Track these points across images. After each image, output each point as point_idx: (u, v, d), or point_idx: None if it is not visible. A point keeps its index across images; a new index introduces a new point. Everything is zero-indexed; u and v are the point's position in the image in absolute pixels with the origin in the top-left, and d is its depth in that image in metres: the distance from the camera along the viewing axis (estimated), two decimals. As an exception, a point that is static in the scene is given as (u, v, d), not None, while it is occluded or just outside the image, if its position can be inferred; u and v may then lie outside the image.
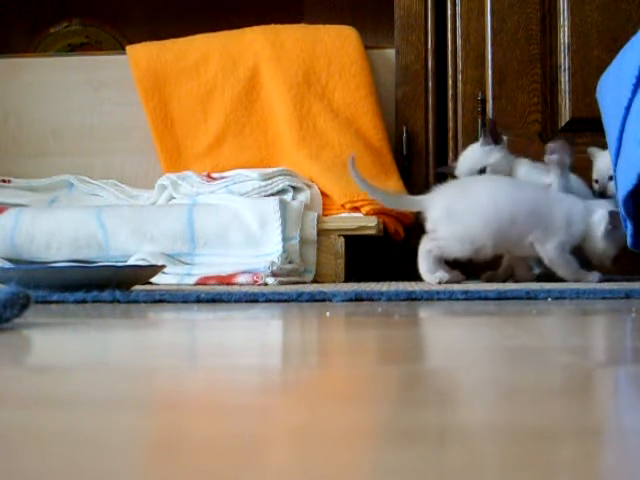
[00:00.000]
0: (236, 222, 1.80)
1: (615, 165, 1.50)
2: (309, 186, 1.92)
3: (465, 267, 1.71)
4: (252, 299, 1.19)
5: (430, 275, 1.64)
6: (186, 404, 0.43)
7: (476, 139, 1.99)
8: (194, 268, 1.76)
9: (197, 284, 1.69)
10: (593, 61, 2.02)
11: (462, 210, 1.65)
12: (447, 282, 1.61)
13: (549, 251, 1.66)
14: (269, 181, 1.89)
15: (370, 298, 1.19)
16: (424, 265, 1.65)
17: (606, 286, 1.41)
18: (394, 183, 1.95)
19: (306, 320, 0.98)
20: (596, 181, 1.86)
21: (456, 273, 1.65)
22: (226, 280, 1.70)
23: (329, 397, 0.45)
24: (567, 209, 1.68)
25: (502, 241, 1.65)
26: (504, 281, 1.73)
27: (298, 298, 1.19)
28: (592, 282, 1.63)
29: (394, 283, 1.67)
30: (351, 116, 2.00)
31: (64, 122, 2.12)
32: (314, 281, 1.81)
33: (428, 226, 1.68)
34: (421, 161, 2.10)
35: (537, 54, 2.06)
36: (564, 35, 2.06)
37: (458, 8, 2.09)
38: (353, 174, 1.71)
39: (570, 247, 1.67)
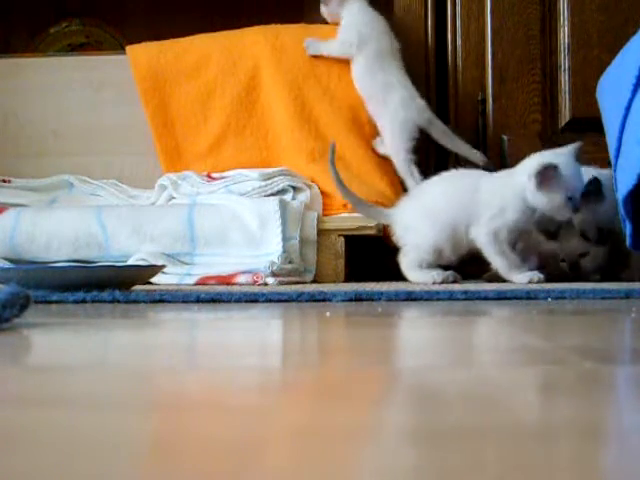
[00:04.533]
0: (236, 222, 1.80)
1: (615, 165, 1.50)
2: (309, 186, 1.92)
3: (463, 267, 1.71)
4: (252, 299, 1.19)
5: (422, 278, 1.63)
6: (186, 404, 0.43)
7: (476, 139, 1.99)
8: (194, 268, 1.76)
9: (197, 284, 1.69)
10: (593, 61, 2.02)
11: (417, 220, 1.66)
12: (441, 282, 1.60)
13: (479, 236, 1.60)
14: (269, 181, 1.89)
15: (370, 298, 1.19)
16: (412, 274, 1.65)
17: (606, 286, 1.41)
18: (389, 183, 1.95)
19: (306, 320, 0.98)
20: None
21: (448, 273, 1.65)
22: (226, 280, 1.70)
23: (329, 397, 0.45)
24: (496, 187, 1.60)
25: (455, 240, 1.63)
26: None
27: (298, 298, 1.19)
28: (521, 282, 1.55)
29: (394, 283, 1.67)
30: (352, 117, 2.00)
31: (64, 122, 2.12)
32: (314, 281, 1.81)
33: (395, 239, 1.69)
34: (421, 161, 2.10)
35: (537, 54, 2.06)
36: (564, 35, 2.06)
37: (458, 8, 2.09)
38: (331, 169, 1.73)
39: (508, 233, 1.59)
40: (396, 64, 1.97)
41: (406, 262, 1.66)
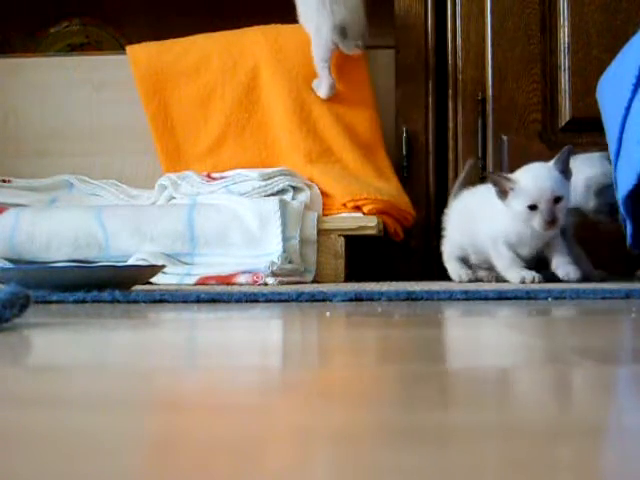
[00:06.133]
0: (236, 222, 1.80)
1: (615, 165, 1.50)
2: (309, 186, 1.92)
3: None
4: (252, 299, 1.19)
5: (455, 273, 1.73)
6: (186, 404, 0.43)
7: (476, 139, 1.99)
8: (194, 268, 1.76)
9: (197, 284, 1.69)
10: (593, 61, 2.02)
11: (454, 217, 1.75)
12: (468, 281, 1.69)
13: (482, 236, 1.65)
14: (269, 181, 1.89)
15: (370, 298, 1.19)
16: (450, 264, 1.76)
17: (606, 286, 1.41)
18: (387, 183, 1.95)
19: (306, 320, 0.98)
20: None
21: (470, 272, 1.73)
22: (226, 280, 1.70)
23: (329, 397, 0.45)
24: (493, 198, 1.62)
25: (479, 247, 1.68)
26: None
27: (298, 298, 1.19)
28: (513, 282, 1.58)
29: (394, 283, 1.67)
30: (350, 119, 2.00)
31: (64, 122, 2.12)
32: (314, 281, 1.81)
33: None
34: (421, 161, 2.10)
35: (537, 54, 2.06)
36: (564, 35, 2.06)
37: (458, 8, 2.09)
38: None
39: (504, 237, 1.60)
40: None
41: (446, 253, 1.77)
